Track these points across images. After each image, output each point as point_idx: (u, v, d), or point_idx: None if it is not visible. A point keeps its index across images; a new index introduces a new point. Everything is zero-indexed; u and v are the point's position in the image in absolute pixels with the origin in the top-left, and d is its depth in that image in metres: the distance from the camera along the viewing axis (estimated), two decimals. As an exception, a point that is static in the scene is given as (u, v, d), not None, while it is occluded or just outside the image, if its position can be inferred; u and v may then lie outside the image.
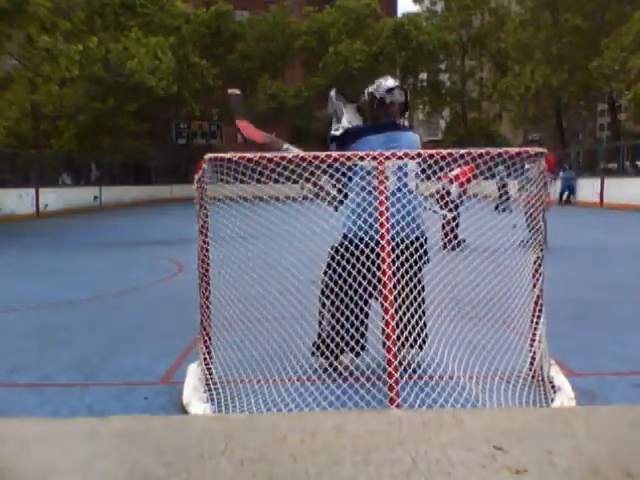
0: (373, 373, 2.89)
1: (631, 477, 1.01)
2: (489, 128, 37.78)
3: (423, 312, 2.97)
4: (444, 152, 2.62)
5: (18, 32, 14.94)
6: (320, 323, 3.17)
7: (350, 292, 2.89)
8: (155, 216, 19.40)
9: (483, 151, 2.64)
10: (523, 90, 29.34)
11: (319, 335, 3.17)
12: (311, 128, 33.33)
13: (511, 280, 2.98)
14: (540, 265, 2.92)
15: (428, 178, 2.94)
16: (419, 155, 2.61)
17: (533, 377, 2.92)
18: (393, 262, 2.51)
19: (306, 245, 2.98)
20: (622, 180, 19.33)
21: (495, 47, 35.05)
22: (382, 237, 2.48)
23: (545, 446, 1.13)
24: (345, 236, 3.05)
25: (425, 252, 3.09)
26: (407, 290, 2.67)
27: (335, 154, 2.65)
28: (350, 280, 2.84)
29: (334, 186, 3.05)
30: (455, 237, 3.57)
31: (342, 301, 2.96)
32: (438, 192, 5.47)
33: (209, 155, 2.80)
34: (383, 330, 2.45)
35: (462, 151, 2.66)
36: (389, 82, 3.37)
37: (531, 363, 2.96)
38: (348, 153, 2.68)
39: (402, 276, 2.63)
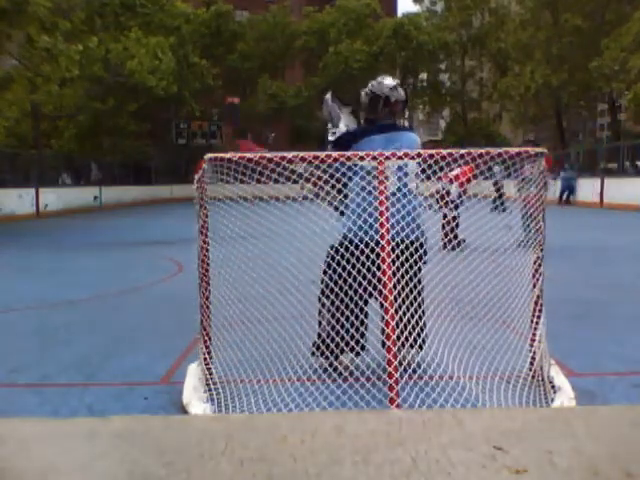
0: (373, 373, 2.89)
1: (631, 477, 1.01)
2: (489, 128, 37.79)
3: (423, 312, 2.98)
4: (444, 152, 2.62)
5: (18, 32, 14.94)
6: (320, 323, 3.17)
7: (350, 292, 2.89)
8: (155, 216, 19.40)
9: (483, 151, 2.64)
10: (523, 90, 29.34)
11: (319, 335, 3.17)
12: (311, 128, 33.35)
13: (511, 280, 2.98)
14: (540, 265, 2.92)
15: (428, 178, 2.94)
16: (419, 155, 2.61)
17: (533, 377, 2.91)
18: (393, 262, 2.51)
19: (306, 245, 2.98)
20: (622, 180, 19.33)
21: (495, 47, 35.05)
22: (382, 237, 2.49)
23: (545, 446, 1.13)
24: (345, 236, 3.05)
25: (425, 252, 3.09)
26: (407, 290, 2.67)
27: (335, 154, 2.65)
28: (350, 280, 2.84)
29: (334, 186, 3.05)
30: (455, 237, 3.57)
31: (342, 301, 2.96)
32: (438, 192, 5.47)
33: (209, 155, 2.80)
34: (383, 330, 2.45)
35: (462, 151, 2.66)
36: (389, 80, 3.37)
37: (531, 363, 2.96)
38: (348, 153, 2.68)
39: (402, 276, 2.63)
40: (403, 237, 2.87)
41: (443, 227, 5.79)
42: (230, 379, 2.98)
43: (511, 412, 1.78)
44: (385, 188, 2.54)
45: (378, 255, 2.53)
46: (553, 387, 2.82)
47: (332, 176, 2.89)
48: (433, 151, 2.61)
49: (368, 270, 2.69)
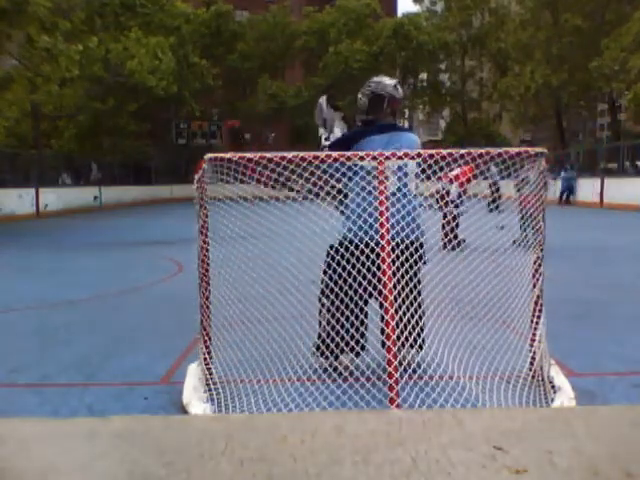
0: (373, 373, 2.89)
1: (631, 477, 1.01)
2: (489, 128, 37.78)
3: (422, 312, 2.98)
4: (444, 152, 2.61)
5: (18, 32, 14.94)
6: (320, 323, 3.17)
7: (350, 292, 2.89)
8: (155, 216, 19.40)
9: (483, 151, 2.64)
10: (523, 90, 29.34)
11: (319, 335, 3.17)
12: (311, 128, 33.26)
13: (511, 280, 2.98)
14: (540, 265, 2.92)
15: (428, 178, 2.94)
16: (419, 155, 2.61)
17: (533, 377, 2.91)
18: (393, 262, 2.51)
19: (306, 245, 2.98)
20: (622, 180, 19.34)
21: (495, 47, 35.04)
22: (382, 237, 2.48)
23: (545, 446, 1.13)
24: (345, 236, 3.05)
25: (424, 253, 3.09)
26: (407, 290, 2.67)
27: (335, 154, 2.65)
28: (350, 280, 2.84)
29: (333, 187, 3.05)
30: (455, 237, 3.57)
31: (342, 301, 2.96)
32: (438, 192, 5.47)
33: (209, 155, 2.80)
34: (383, 330, 2.45)
35: (462, 151, 2.66)
36: (389, 80, 3.38)
37: (531, 363, 2.96)
38: (348, 153, 2.68)
39: (402, 276, 2.63)
40: (403, 237, 2.87)
41: (443, 227, 5.79)
42: (230, 379, 2.98)
43: (511, 412, 1.78)
44: (385, 188, 2.54)
45: (378, 255, 2.53)
46: (553, 387, 2.82)
47: (332, 176, 2.88)
48: (433, 151, 2.61)
49: (368, 270, 2.69)
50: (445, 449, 1.12)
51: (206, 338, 3.02)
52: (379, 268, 2.51)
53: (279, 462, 1.09)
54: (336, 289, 2.91)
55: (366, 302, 3.07)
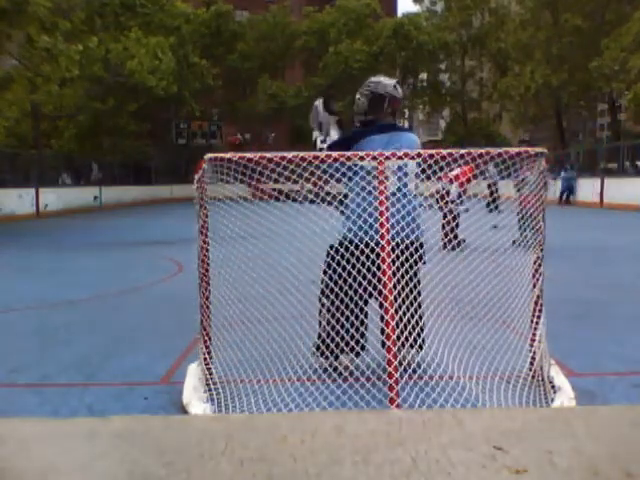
0: (373, 373, 2.89)
1: (631, 477, 1.01)
2: (489, 128, 37.79)
3: (422, 313, 2.98)
4: (444, 152, 2.61)
5: (18, 32, 14.94)
6: (320, 323, 3.17)
7: (350, 292, 2.89)
8: (155, 216, 19.40)
9: (483, 151, 2.64)
10: (523, 90, 29.34)
11: (319, 335, 3.17)
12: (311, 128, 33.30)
13: (511, 280, 2.98)
14: (540, 265, 2.92)
15: (428, 178, 2.94)
16: (419, 155, 2.60)
17: (533, 377, 2.91)
18: (393, 262, 2.51)
19: (306, 245, 2.99)
20: (622, 180, 19.34)
21: (495, 47, 35.04)
22: (382, 237, 2.48)
23: (545, 446, 1.13)
24: (345, 236, 3.05)
25: (424, 253, 3.09)
26: (407, 290, 2.67)
27: (335, 154, 2.64)
28: (350, 280, 2.84)
29: (330, 194, 3.05)
30: (455, 237, 3.57)
31: (342, 301, 2.96)
32: (438, 192, 5.47)
33: (209, 155, 2.80)
34: (383, 330, 2.45)
35: (462, 151, 2.66)
36: (388, 80, 3.38)
37: (531, 363, 2.96)
38: (348, 153, 2.68)
39: (402, 276, 2.63)
40: (403, 237, 2.87)
41: (443, 227, 5.79)
42: (230, 379, 2.98)
43: (511, 412, 1.78)
44: (385, 188, 2.54)
45: (378, 255, 2.53)
46: (553, 387, 2.82)
47: (332, 176, 2.88)
48: (433, 151, 2.61)
49: (368, 270, 2.69)
50: (445, 449, 1.12)
51: (206, 338, 3.02)
52: (379, 268, 2.51)
53: (279, 462, 1.09)
54: (336, 289, 2.91)
55: (366, 302, 3.07)
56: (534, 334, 2.95)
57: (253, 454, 1.12)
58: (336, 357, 3.04)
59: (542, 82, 27.79)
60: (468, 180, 7.87)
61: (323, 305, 3.15)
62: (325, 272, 3.16)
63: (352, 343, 2.91)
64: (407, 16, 36.80)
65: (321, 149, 3.32)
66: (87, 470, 1.10)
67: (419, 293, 3.00)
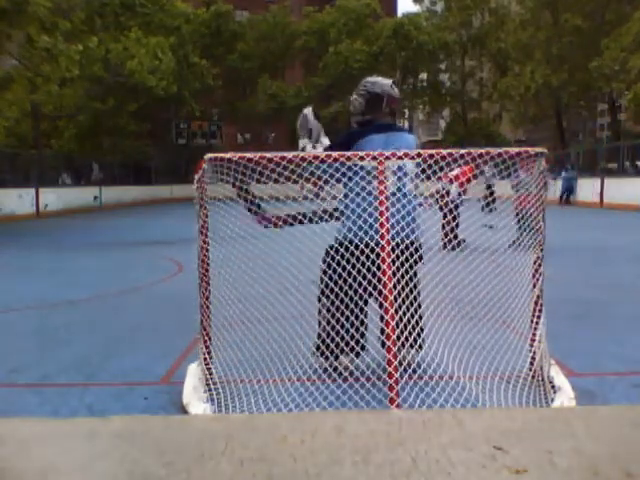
0: (373, 373, 2.89)
1: (631, 477, 1.01)
2: (489, 128, 37.78)
3: (422, 313, 2.98)
4: (444, 152, 2.61)
5: (18, 32, 14.94)
6: (320, 323, 3.17)
7: (350, 292, 2.89)
8: (155, 216, 19.40)
9: (483, 151, 2.64)
10: (523, 90, 29.34)
11: (319, 335, 3.17)
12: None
13: (511, 280, 2.98)
14: (540, 265, 2.92)
15: (428, 178, 2.94)
16: (419, 155, 2.60)
17: (533, 377, 2.91)
18: (393, 262, 2.51)
19: (306, 245, 2.99)
20: (622, 180, 19.34)
21: (495, 47, 35.05)
22: (382, 237, 2.48)
23: (545, 446, 1.13)
24: (345, 236, 3.05)
25: (420, 257, 3.09)
26: (407, 290, 2.68)
27: (335, 154, 2.64)
28: (350, 280, 2.84)
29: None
30: (455, 237, 3.57)
31: (342, 301, 2.96)
32: (438, 192, 5.48)
33: (209, 155, 2.80)
34: (383, 330, 2.45)
35: (462, 151, 2.66)
36: (384, 79, 3.38)
37: (531, 363, 2.96)
38: (348, 153, 2.68)
39: (402, 276, 2.63)
40: (403, 237, 2.87)
41: (443, 227, 5.80)
42: (230, 379, 2.98)
43: (511, 412, 1.78)
44: (385, 188, 2.54)
45: (378, 255, 2.53)
46: (553, 387, 2.82)
47: (332, 176, 2.88)
48: (433, 151, 2.61)
49: (368, 270, 2.69)
50: (445, 449, 1.12)
51: (206, 338, 3.02)
52: (379, 268, 2.51)
53: (279, 462, 1.09)
54: (336, 289, 2.91)
55: (366, 302, 3.07)
56: (534, 334, 2.95)
57: (253, 454, 1.12)
58: (336, 357, 3.04)
59: (542, 82, 27.80)
60: (468, 180, 7.88)
61: (323, 305, 3.15)
62: (325, 272, 3.16)
63: (352, 343, 2.91)
64: (407, 16, 36.80)
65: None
66: (87, 470, 1.10)
67: (419, 293, 3.00)
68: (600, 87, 27.10)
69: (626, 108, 32.83)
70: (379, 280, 2.51)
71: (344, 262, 2.83)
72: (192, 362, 3.22)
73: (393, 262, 2.50)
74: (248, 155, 2.67)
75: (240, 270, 3.05)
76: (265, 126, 35.37)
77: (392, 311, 2.41)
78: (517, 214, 4.88)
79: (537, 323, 2.92)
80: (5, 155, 19.38)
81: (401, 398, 2.39)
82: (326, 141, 3.33)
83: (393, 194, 2.85)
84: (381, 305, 2.55)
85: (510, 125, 38.91)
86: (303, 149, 3.36)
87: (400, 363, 2.46)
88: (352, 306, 2.95)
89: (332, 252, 3.04)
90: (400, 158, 2.57)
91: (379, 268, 2.51)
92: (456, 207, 7.26)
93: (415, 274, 2.91)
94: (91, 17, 22.62)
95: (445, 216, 6.16)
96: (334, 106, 31.30)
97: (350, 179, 2.98)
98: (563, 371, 3.04)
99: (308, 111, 3.42)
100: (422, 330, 2.90)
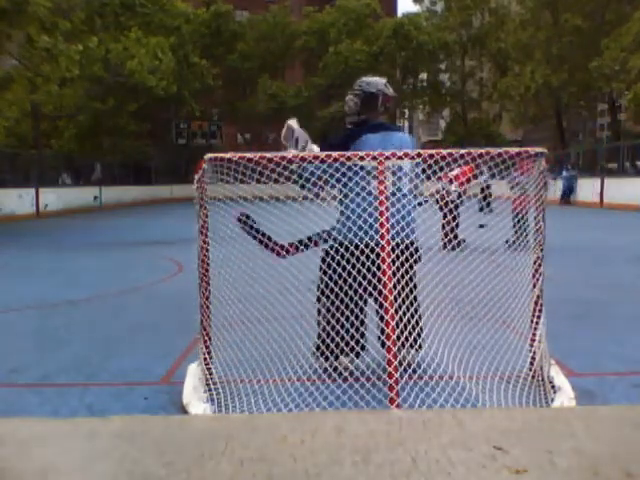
0: (373, 373, 2.89)
1: (631, 477, 1.01)
2: (489, 128, 37.78)
3: (422, 313, 2.98)
4: (444, 152, 2.61)
5: (18, 32, 14.94)
6: (319, 324, 3.17)
7: (350, 292, 2.89)
8: (155, 216, 19.40)
9: (483, 151, 2.64)
10: (523, 90, 29.34)
11: (319, 335, 3.17)
12: (311, 128, 33.26)
13: (511, 280, 2.98)
14: (540, 265, 2.92)
15: (428, 178, 2.94)
16: (419, 155, 2.60)
17: (533, 377, 2.91)
18: (393, 262, 2.51)
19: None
20: (622, 180, 19.33)
21: (495, 47, 35.05)
22: (382, 237, 2.48)
23: (545, 446, 1.13)
24: (345, 236, 3.05)
25: (420, 257, 3.09)
26: (407, 290, 2.68)
27: (335, 154, 2.64)
28: (350, 280, 2.84)
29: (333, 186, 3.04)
30: (455, 237, 3.58)
31: (342, 301, 2.96)
32: (438, 192, 5.48)
33: (209, 155, 2.80)
34: (383, 330, 2.45)
35: (462, 151, 2.66)
36: (376, 78, 3.39)
37: (531, 363, 2.96)
38: (348, 153, 2.68)
39: (402, 276, 2.63)
40: (403, 237, 2.88)
41: (443, 227, 5.80)
42: (230, 379, 2.98)
43: (511, 412, 1.78)
44: (385, 188, 2.54)
45: (378, 255, 2.53)
46: (553, 387, 2.82)
47: (332, 176, 2.88)
48: (433, 151, 2.61)
49: (368, 270, 2.69)
50: (445, 449, 1.12)
51: (206, 338, 3.02)
52: (379, 268, 2.51)
53: (279, 462, 1.09)
54: (336, 289, 2.91)
55: (366, 302, 3.07)
56: (534, 334, 2.95)
57: (253, 454, 1.12)
58: (336, 357, 3.04)
59: (542, 82, 27.80)
60: (468, 180, 7.88)
61: (323, 305, 3.15)
62: (325, 272, 3.16)
63: (352, 343, 2.91)
64: (407, 16, 36.80)
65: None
66: (87, 470, 1.10)
67: (419, 293, 3.00)
68: (600, 87, 27.10)
69: (626, 108, 32.83)
70: (379, 280, 2.51)
71: (344, 262, 2.83)
72: (192, 362, 3.22)
73: (393, 262, 2.50)
74: (248, 155, 2.67)
75: (240, 270, 3.05)
76: (265, 126, 35.34)
77: (392, 311, 2.41)
78: (517, 215, 4.90)
79: (537, 323, 2.92)
80: (5, 155, 19.37)
81: (401, 398, 2.39)
82: (315, 148, 3.32)
83: (393, 194, 2.85)
84: (381, 305, 2.55)
85: (510, 125, 38.91)
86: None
87: (400, 363, 2.46)
88: (352, 306, 2.95)
89: (332, 252, 3.04)
90: (400, 158, 2.57)
91: (379, 268, 2.51)
92: (456, 207, 7.27)
93: (415, 274, 2.91)
94: (91, 17, 22.62)
95: (445, 216, 6.16)
96: (334, 106, 31.30)
97: (350, 179, 2.98)
98: (563, 371, 3.04)
99: (292, 122, 3.40)
100: (422, 330, 2.90)
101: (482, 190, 8.78)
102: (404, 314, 2.65)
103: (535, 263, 2.94)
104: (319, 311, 3.18)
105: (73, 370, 3.42)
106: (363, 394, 2.61)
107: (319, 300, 3.18)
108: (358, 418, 1.38)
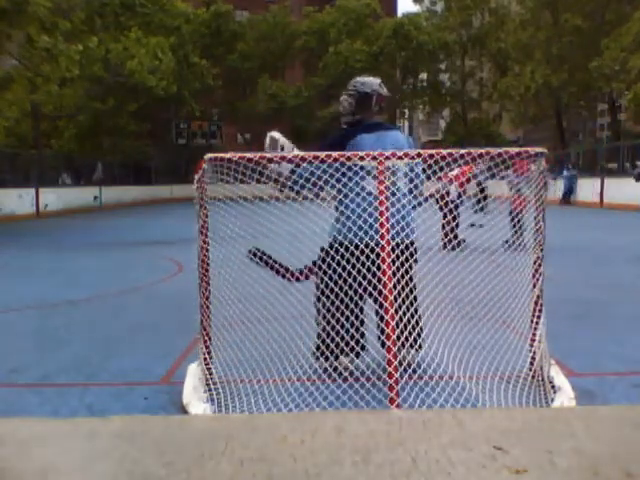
0: (373, 373, 2.89)
1: (631, 477, 1.01)
2: (489, 128, 37.80)
3: (422, 313, 2.98)
4: (444, 152, 2.61)
5: (18, 32, 14.94)
6: (319, 324, 3.17)
7: (350, 292, 2.89)
8: (155, 216, 19.40)
9: (483, 151, 2.64)
10: (523, 90, 29.35)
11: (319, 335, 3.17)
12: (311, 128, 33.37)
13: (511, 280, 2.98)
14: (540, 265, 2.92)
15: (428, 178, 2.94)
16: (419, 155, 2.60)
17: (533, 377, 2.91)
18: (393, 262, 2.51)
19: (306, 245, 2.98)
20: (622, 180, 19.31)
21: (495, 47, 35.06)
22: (382, 237, 2.48)
23: (545, 446, 1.13)
24: (345, 236, 3.05)
25: (415, 259, 3.09)
26: (407, 290, 2.68)
27: (335, 154, 2.64)
28: (350, 280, 2.84)
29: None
30: (455, 237, 3.57)
31: (342, 301, 2.96)
32: (438, 192, 5.48)
33: (209, 155, 2.80)
34: (383, 330, 2.45)
35: (462, 151, 2.66)
36: (371, 78, 3.39)
37: (531, 363, 2.96)
38: (348, 153, 2.68)
39: (402, 276, 2.63)
40: (403, 237, 2.87)
41: (443, 227, 5.80)
42: (230, 379, 2.98)
43: (511, 412, 1.78)
44: (385, 188, 2.54)
45: (378, 255, 2.53)
46: (553, 387, 2.82)
47: (332, 176, 2.88)
48: (433, 151, 2.61)
49: (368, 270, 2.69)
50: (445, 449, 1.12)
51: (206, 338, 3.02)
52: (379, 268, 2.51)
53: (279, 462, 1.09)
54: (336, 289, 2.91)
55: (365, 302, 3.07)
56: (534, 334, 2.95)
57: (253, 454, 1.12)
58: (336, 357, 3.04)
59: (542, 82, 27.80)
60: (468, 180, 7.88)
61: (323, 305, 3.15)
62: (325, 272, 3.16)
63: (352, 343, 2.91)
64: (407, 16, 36.81)
65: (289, 177, 3.18)
66: (87, 470, 1.10)
67: (418, 293, 3.00)
68: (600, 87, 27.11)
69: (626, 108, 32.83)
70: (379, 280, 2.51)
71: (344, 262, 2.83)
72: (192, 362, 3.22)
73: (393, 262, 2.50)
74: (248, 155, 2.67)
75: (240, 270, 3.05)
76: (265, 126, 35.21)
77: (392, 311, 2.41)
78: (516, 217, 4.90)
79: (537, 323, 2.92)
80: (5, 155, 19.38)
81: (401, 398, 2.39)
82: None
83: (393, 194, 2.85)
84: (381, 305, 2.55)
85: (510, 125, 38.92)
86: (279, 173, 3.25)
87: (400, 363, 2.46)
88: (352, 306, 2.95)
89: (332, 252, 3.04)
90: (400, 158, 2.57)
91: (379, 268, 2.51)
92: (456, 207, 7.27)
93: (415, 274, 2.91)
94: (91, 17, 22.63)
95: (445, 216, 6.16)
96: (334, 106, 31.28)
97: (350, 179, 2.98)
98: (563, 371, 3.04)
99: (274, 133, 3.37)
100: (422, 330, 2.90)
101: (480, 191, 8.78)
102: (404, 314, 2.65)
103: (535, 263, 2.94)
104: (319, 311, 3.18)
105: (73, 370, 3.42)
106: (363, 394, 2.61)
107: (319, 300, 3.18)
108: (358, 418, 1.38)
